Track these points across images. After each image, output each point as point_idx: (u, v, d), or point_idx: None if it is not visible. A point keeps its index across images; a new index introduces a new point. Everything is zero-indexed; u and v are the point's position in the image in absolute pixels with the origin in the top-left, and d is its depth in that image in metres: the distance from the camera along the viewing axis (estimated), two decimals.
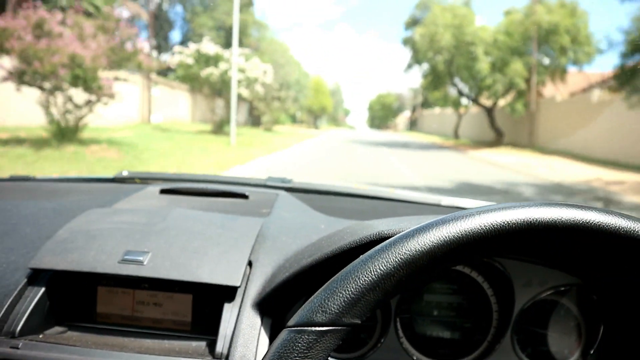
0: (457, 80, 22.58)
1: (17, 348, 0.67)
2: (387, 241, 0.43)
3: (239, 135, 17.35)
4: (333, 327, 0.40)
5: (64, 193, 1.23)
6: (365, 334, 0.81)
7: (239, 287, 0.74)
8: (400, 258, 0.41)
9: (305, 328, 0.40)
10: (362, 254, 0.44)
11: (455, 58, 20.30)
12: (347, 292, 0.40)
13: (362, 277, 0.41)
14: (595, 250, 0.47)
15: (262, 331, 0.69)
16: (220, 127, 17.22)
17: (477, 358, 0.81)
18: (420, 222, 0.45)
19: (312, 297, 0.42)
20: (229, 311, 0.73)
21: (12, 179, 1.43)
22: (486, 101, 22.19)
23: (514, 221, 0.42)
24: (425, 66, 23.15)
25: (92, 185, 1.38)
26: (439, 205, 1.31)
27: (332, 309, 0.40)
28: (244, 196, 1.21)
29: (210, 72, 15.91)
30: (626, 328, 0.66)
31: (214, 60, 16.20)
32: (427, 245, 0.41)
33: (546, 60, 19.92)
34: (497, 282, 0.80)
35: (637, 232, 0.43)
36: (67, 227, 0.85)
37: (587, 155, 14.76)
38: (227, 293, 0.74)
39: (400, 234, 0.44)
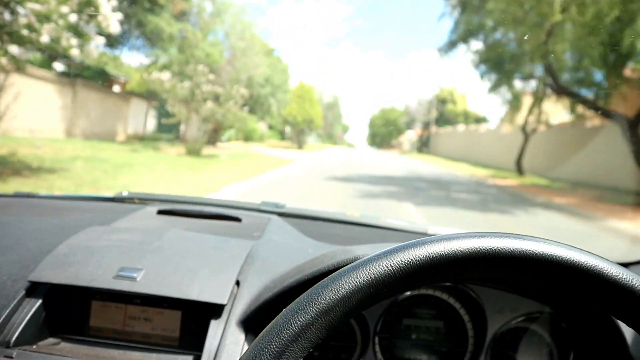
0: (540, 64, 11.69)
1: (11, 357, 0.71)
2: (306, 292, 0.44)
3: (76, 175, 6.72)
4: None
5: (66, 210, 1.29)
6: (346, 355, 0.87)
7: (226, 305, 0.78)
8: (317, 308, 0.42)
9: None
10: None
11: (566, 14, 8.97)
12: (271, 346, 0.42)
13: (284, 330, 0.42)
14: (548, 280, 0.46)
15: (245, 347, 0.73)
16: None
17: None
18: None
19: (242, 355, 0.43)
20: (215, 328, 0.76)
21: (16, 195, 1.50)
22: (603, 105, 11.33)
23: (426, 259, 0.43)
24: (476, 44, 12.35)
25: (93, 203, 1.46)
26: (425, 234, 1.33)
27: None
28: (237, 219, 1.27)
29: None
30: (595, 355, 0.75)
31: None
32: (340, 293, 0.42)
33: None
34: (471, 308, 0.88)
35: (576, 262, 0.43)
36: (67, 242, 0.90)
37: None
38: (214, 310, 0.78)
39: (320, 282, 0.44)
